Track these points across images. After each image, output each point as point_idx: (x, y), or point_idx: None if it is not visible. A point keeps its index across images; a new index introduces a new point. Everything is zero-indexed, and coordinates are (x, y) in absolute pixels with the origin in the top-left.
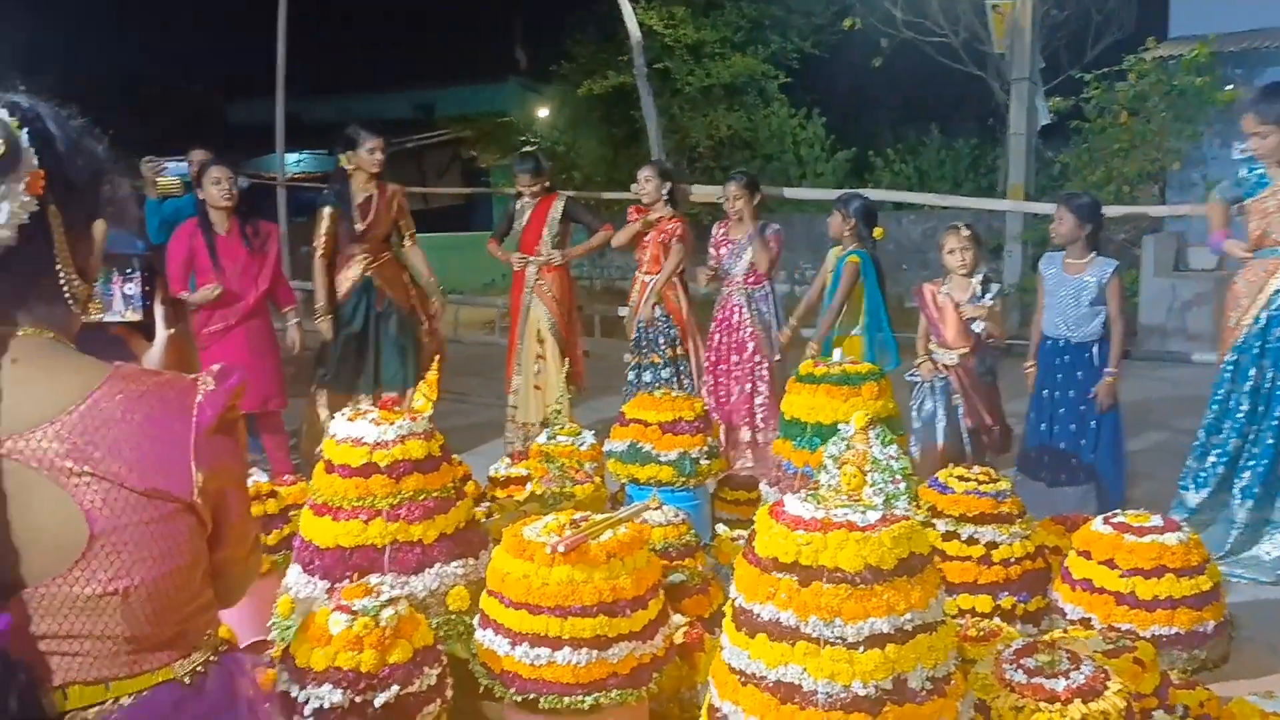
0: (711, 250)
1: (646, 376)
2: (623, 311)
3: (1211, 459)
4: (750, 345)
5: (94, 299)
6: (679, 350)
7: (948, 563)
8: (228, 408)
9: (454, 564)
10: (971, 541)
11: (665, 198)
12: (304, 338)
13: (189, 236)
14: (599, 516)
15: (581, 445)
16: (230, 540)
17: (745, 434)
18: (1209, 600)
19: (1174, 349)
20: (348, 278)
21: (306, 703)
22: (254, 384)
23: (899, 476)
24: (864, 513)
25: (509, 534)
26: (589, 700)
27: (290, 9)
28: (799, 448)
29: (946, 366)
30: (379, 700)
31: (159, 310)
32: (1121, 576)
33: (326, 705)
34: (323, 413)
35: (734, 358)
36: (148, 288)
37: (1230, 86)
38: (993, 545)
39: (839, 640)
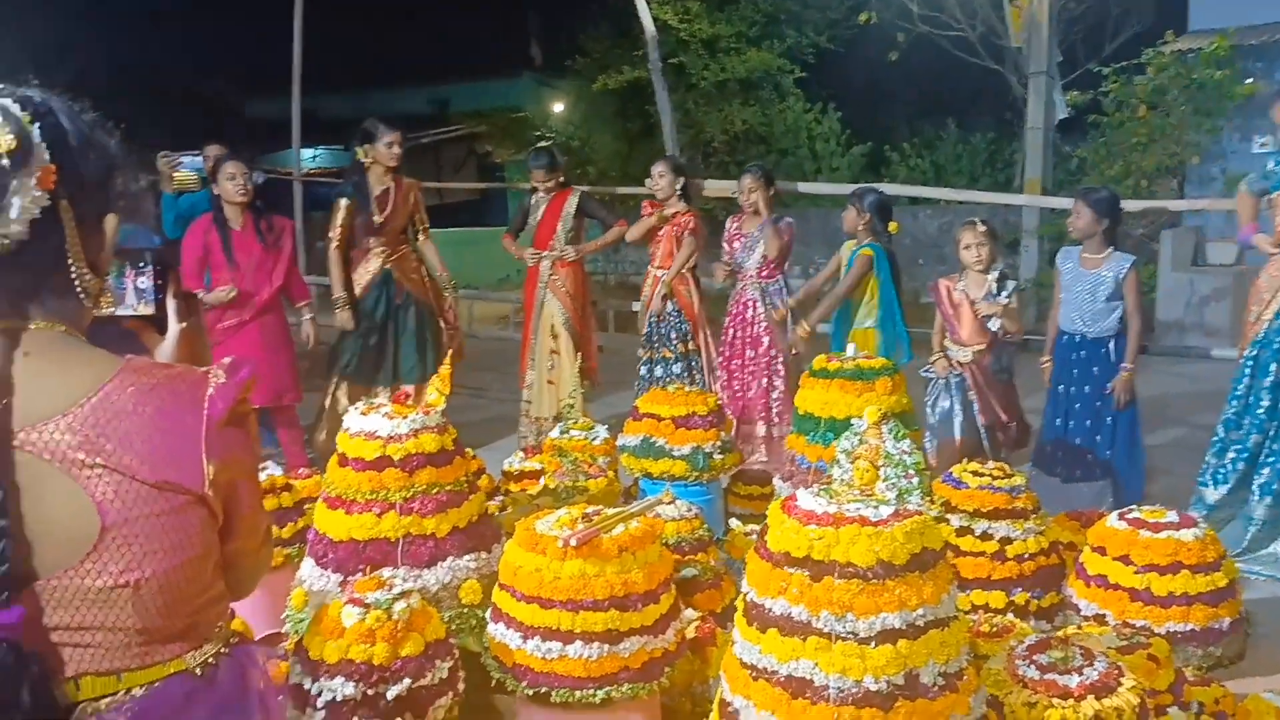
0: (725, 245)
1: (658, 371)
2: (636, 306)
3: (1231, 455)
4: (765, 340)
5: (106, 293)
6: (690, 345)
7: (961, 558)
8: (239, 400)
9: (466, 558)
10: (985, 537)
11: (679, 193)
12: (318, 332)
13: (204, 232)
14: (611, 511)
15: (595, 440)
16: (242, 532)
17: (760, 429)
18: (1225, 597)
19: (1192, 344)
20: (367, 271)
21: (319, 695)
22: (268, 378)
23: (912, 471)
24: (876, 507)
25: (521, 528)
26: (600, 694)
27: (306, 5)
28: (812, 442)
29: (961, 363)
30: (391, 693)
31: (171, 304)
32: (1137, 572)
33: (339, 698)
34: (343, 402)
35: (749, 352)
36: (160, 281)
37: (1250, 80)
38: (1007, 541)
39: (851, 635)
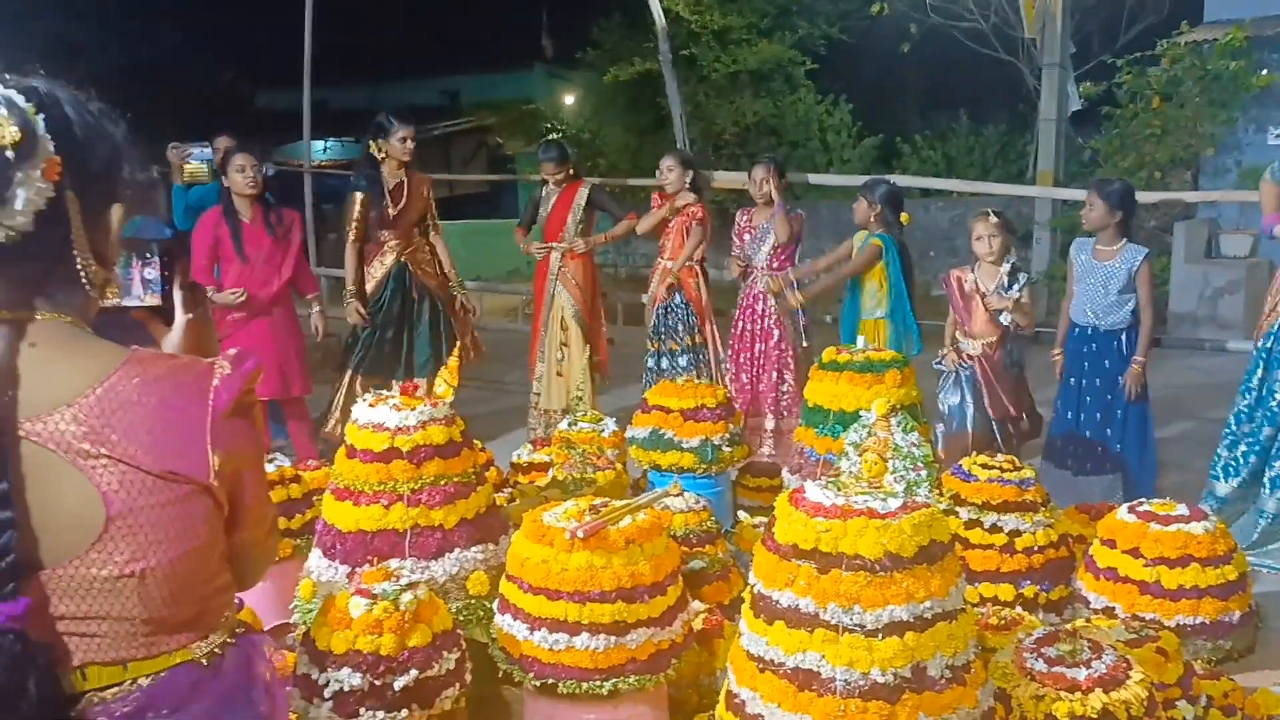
0: (735, 238)
1: (664, 364)
2: (645, 299)
3: (1242, 448)
4: (776, 332)
5: (112, 283)
6: (697, 338)
7: (970, 551)
8: (244, 391)
9: (474, 549)
10: (994, 529)
11: (688, 185)
12: (327, 324)
13: (214, 225)
14: (619, 503)
15: (603, 432)
16: (248, 522)
17: (769, 422)
18: (1235, 590)
19: (1205, 337)
20: (382, 265)
21: (326, 685)
22: (277, 370)
23: (920, 464)
24: (884, 500)
25: (529, 519)
26: (607, 685)
27: None
28: (821, 435)
29: (971, 356)
30: (398, 684)
31: (178, 295)
32: (1146, 565)
33: (346, 688)
34: (357, 395)
35: (759, 345)
36: (167, 272)
37: (1265, 71)
38: (1015, 533)
39: (858, 627)
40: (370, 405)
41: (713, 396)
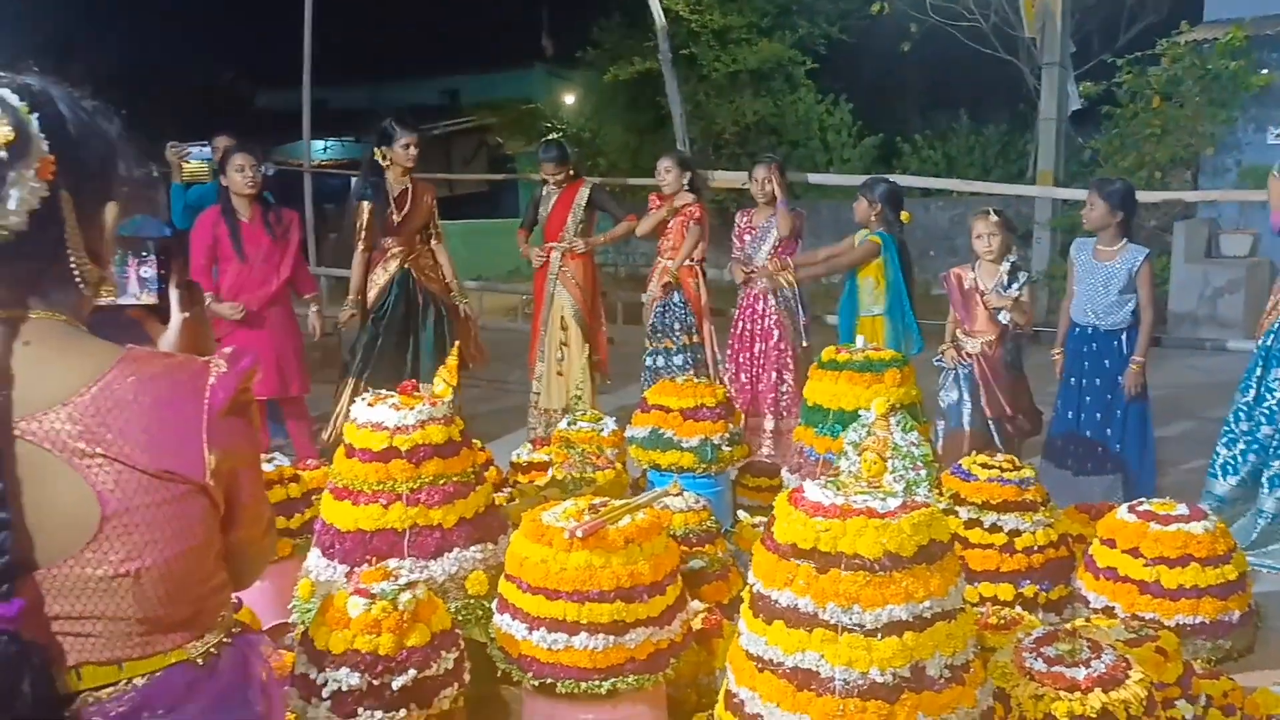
0: (735, 239)
1: (660, 361)
2: (645, 298)
3: (1241, 447)
4: (776, 332)
5: (107, 282)
6: (694, 337)
7: (970, 550)
8: (240, 390)
9: (473, 549)
10: (994, 529)
11: (686, 186)
12: (325, 324)
13: (212, 224)
14: (618, 502)
15: (603, 431)
16: (244, 522)
17: (768, 422)
18: (1234, 590)
19: (1205, 336)
20: (385, 272)
21: (324, 685)
22: (275, 370)
23: (920, 463)
24: (884, 499)
25: (527, 519)
26: (606, 685)
27: None
28: (821, 434)
29: (970, 354)
30: (396, 683)
31: (174, 293)
32: (1146, 565)
33: (344, 688)
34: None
35: (759, 345)
36: (163, 271)
37: (1265, 70)
38: (1015, 533)
39: (857, 627)
40: (369, 405)
41: (712, 396)
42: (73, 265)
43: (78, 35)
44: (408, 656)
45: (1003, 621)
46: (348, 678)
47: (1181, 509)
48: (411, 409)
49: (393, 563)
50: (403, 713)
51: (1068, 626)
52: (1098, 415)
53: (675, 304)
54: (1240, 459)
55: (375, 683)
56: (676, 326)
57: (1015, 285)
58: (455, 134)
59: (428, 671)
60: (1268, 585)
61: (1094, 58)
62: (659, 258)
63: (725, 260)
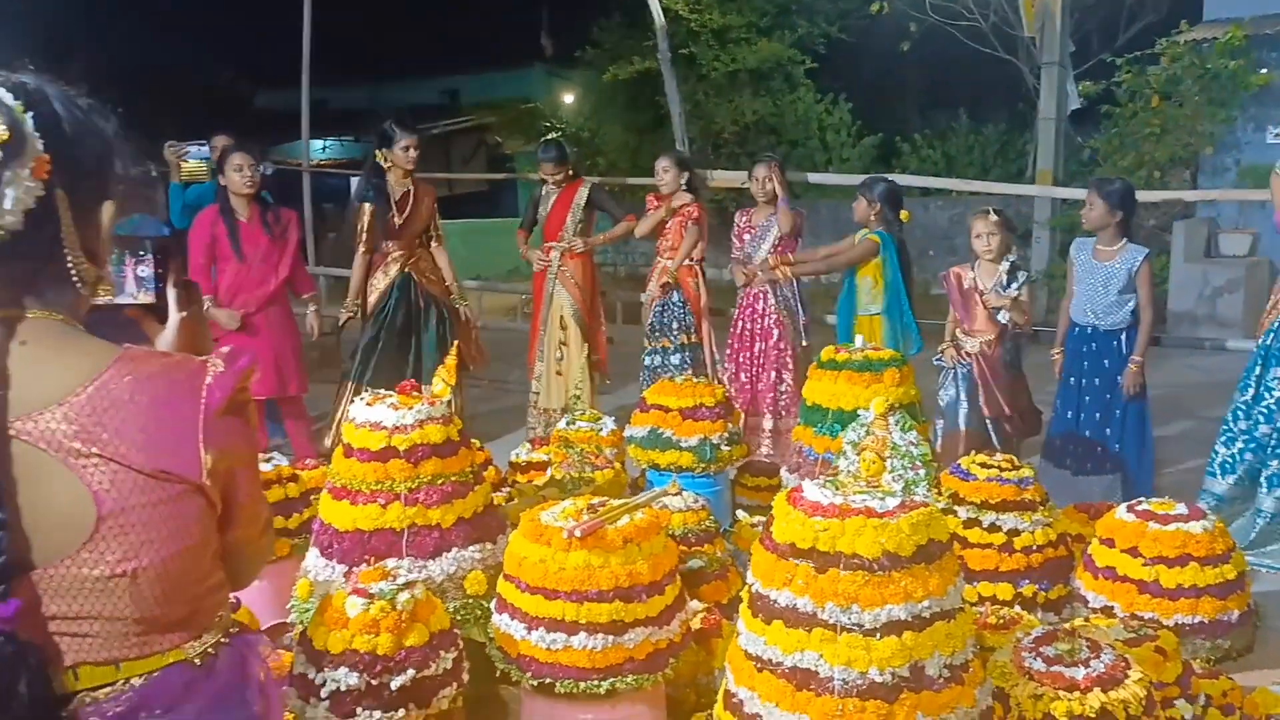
0: (734, 239)
1: (657, 360)
2: (644, 298)
3: (1239, 445)
4: (775, 332)
5: (104, 281)
6: (692, 337)
7: (969, 550)
8: (237, 389)
9: (471, 548)
10: (993, 529)
11: (684, 186)
12: (323, 324)
13: (210, 224)
14: (616, 502)
15: (601, 431)
16: (241, 521)
17: (767, 422)
18: (1233, 589)
19: (1204, 336)
20: (386, 275)
21: (323, 685)
22: (274, 369)
23: (919, 463)
24: (883, 499)
25: (526, 519)
26: (605, 685)
27: None
28: (820, 434)
29: (969, 353)
30: (395, 683)
31: (172, 292)
32: (1145, 564)
33: (343, 688)
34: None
35: (759, 344)
36: (160, 270)
37: (1264, 70)
38: (1014, 532)
39: (856, 627)
40: (367, 404)
41: (711, 396)
42: (69, 265)
43: (77, 35)
44: (406, 656)
45: (1002, 621)
46: (346, 677)
47: (1180, 508)
48: (410, 409)
49: (391, 562)
50: (401, 712)
51: (1067, 626)
52: (1097, 415)
53: (674, 303)
54: (1238, 458)
55: (374, 683)
56: (675, 326)
57: (1014, 285)
58: (454, 133)
59: (426, 671)
60: (1266, 585)
61: (1093, 57)
62: (658, 258)
63: (725, 260)
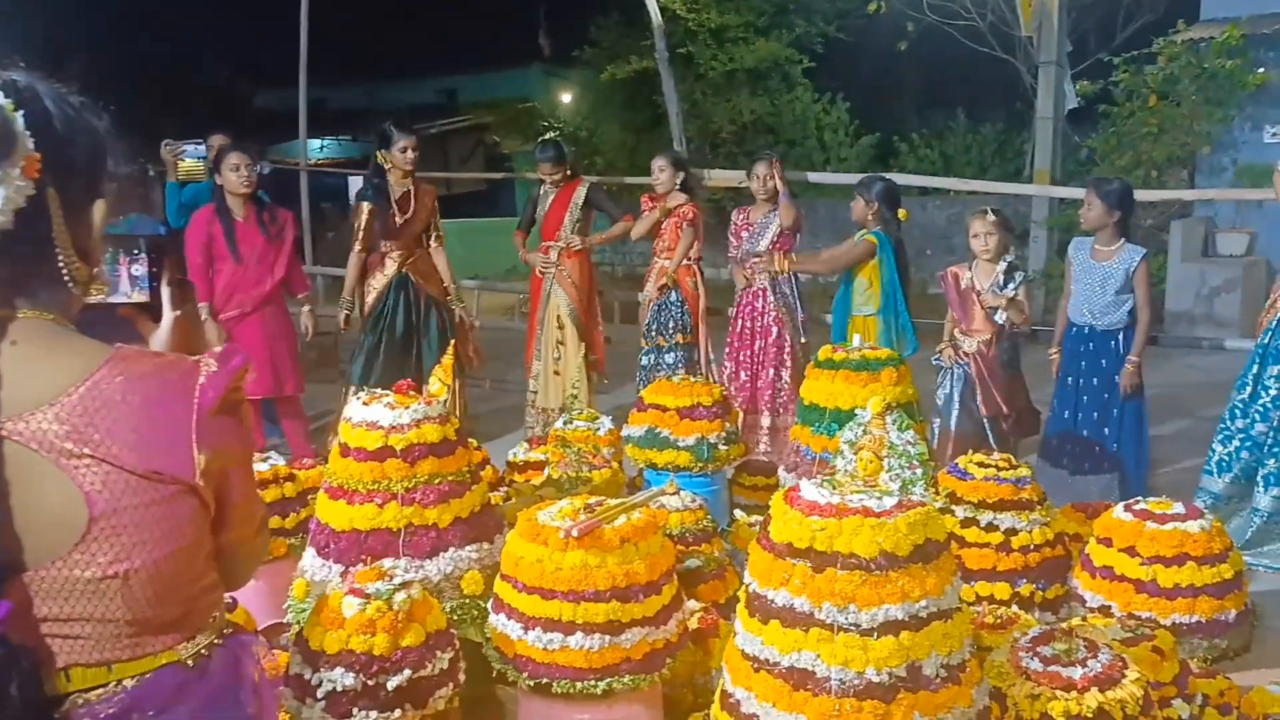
0: (731, 238)
1: (651, 360)
2: (642, 298)
3: (1235, 444)
4: (775, 329)
5: (96, 280)
6: (689, 337)
7: (966, 549)
8: (230, 389)
9: (468, 548)
10: (990, 528)
11: (679, 186)
12: (317, 324)
13: (207, 223)
14: (613, 501)
15: (599, 430)
16: (235, 522)
17: (765, 419)
18: (1231, 589)
19: (1201, 335)
20: (384, 275)
21: (319, 685)
22: (270, 369)
23: (916, 462)
24: (880, 498)
25: (523, 518)
26: (602, 685)
27: None
28: (817, 433)
29: (967, 353)
30: (391, 684)
31: (166, 291)
32: (1142, 564)
33: (339, 688)
34: None
35: (759, 342)
36: (155, 269)
37: (1261, 69)
38: (1012, 532)
39: (853, 627)
40: (364, 404)
41: (709, 395)
42: (61, 264)
43: (75, 34)
44: (403, 657)
45: (999, 621)
46: (342, 678)
47: (1178, 508)
48: (406, 408)
49: (388, 562)
50: (398, 713)
51: (1064, 626)
52: (1095, 415)
53: (672, 303)
54: (1235, 456)
55: (370, 683)
56: (672, 325)
57: (1011, 285)
58: (452, 133)
59: (423, 672)
60: (1264, 584)
61: (1090, 56)
62: (655, 258)
63: (722, 259)
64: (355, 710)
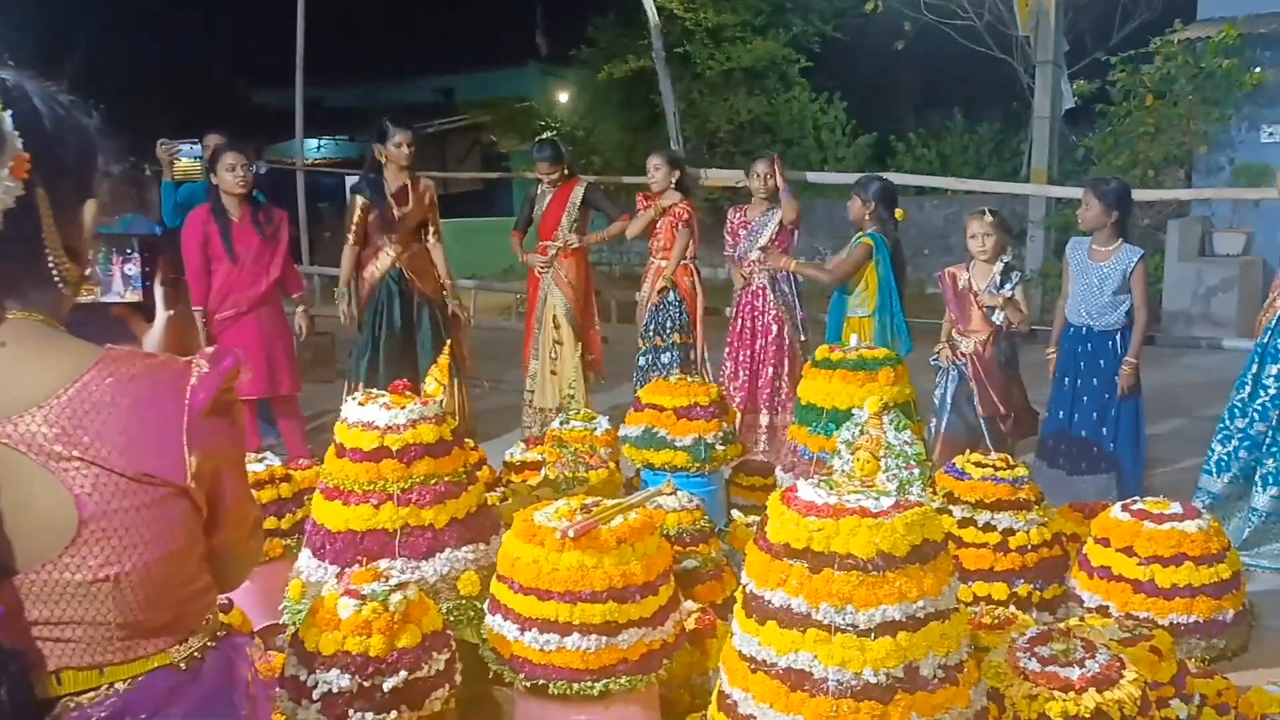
0: (728, 236)
1: (647, 360)
2: (639, 297)
3: (1235, 443)
4: (775, 327)
5: (87, 280)
6: (686, 337)
7: (964, 549)
8: (222, 390)
9: (465, 549)
10: (988, 528)
11: (674, 185)
12: (312, 324)
13: (202, 224)
14: (610, 502)
15: (596, 430)
16: (228, 524)
17: (764, 418)
18: (1229, 589)
19: (1199, 335)
20: (379, 268)
21: (314, 687)
22: (266, 369)
23: (913, 462)
24: (877, 499)
25: (520, 519)
26: (598, 686)
27: None
28: (814, 433)
29: (964, 353)
30: (387, 685)
31: (159, 291)
32: (1140, 564)
33: (334, 689)
34: None
35: (759, 341)
36: (147, 268)
37: (1258, 69)
38: (1009, 532)
39: (850, 627)
40: (359, 404)
41: (706, 395)
42: (51, 265)
43: (72, 33)
44: (399, 658)
45: (997, 621)
46: (338, 679)
47: (1175, 508)
48: (402, 408)
49: (384, 563)
50: (394, 714)
51: (1062, 626)
52: (1093, 415)
53: (670, 303)
54: (1233, 455)
55: (366, 684)
56: (669, 325)
57: (1008, 285)
58: (450, 132)
59: (419, 673)
60: (1262, 584)
61: (1087, 56)
62: (651, 258)
63: (719, 259)
64: (351, 712)
